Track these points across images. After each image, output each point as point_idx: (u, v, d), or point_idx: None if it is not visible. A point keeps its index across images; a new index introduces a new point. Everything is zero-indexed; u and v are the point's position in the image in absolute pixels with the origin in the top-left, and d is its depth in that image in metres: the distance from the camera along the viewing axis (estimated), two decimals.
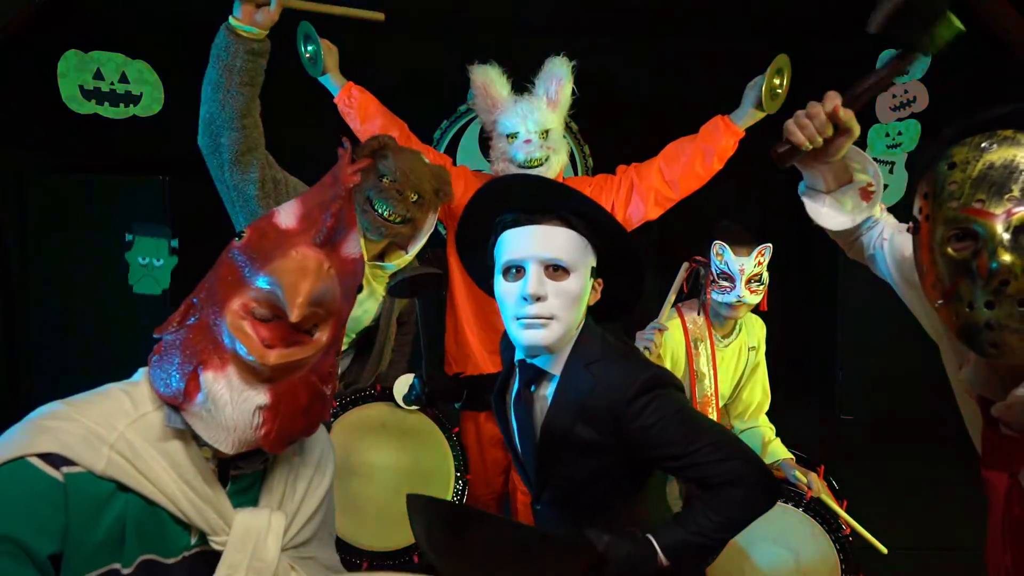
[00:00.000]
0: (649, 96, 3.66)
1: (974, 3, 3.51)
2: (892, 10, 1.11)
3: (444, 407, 2.07)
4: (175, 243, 3.40)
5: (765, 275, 2.08)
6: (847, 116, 1.17)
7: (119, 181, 3.46)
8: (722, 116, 2.32)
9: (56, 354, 3.43)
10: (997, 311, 0.95)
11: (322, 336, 1.05)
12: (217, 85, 1.73)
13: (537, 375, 1.41)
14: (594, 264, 1.38)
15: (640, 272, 1.43)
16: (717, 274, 2.08)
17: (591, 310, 1.43)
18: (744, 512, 1.27)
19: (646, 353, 2.01)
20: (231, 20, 1.70)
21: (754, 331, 2.27)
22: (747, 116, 2.27)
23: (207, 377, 0.98)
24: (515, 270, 1.34)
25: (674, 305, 2.20)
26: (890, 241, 1.30)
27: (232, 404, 0.98)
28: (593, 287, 1.40)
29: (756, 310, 2.19)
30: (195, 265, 3.39)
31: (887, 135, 3.61)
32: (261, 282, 1.00)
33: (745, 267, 2.05)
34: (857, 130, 1.18)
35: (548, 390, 1.40)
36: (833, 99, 1.17)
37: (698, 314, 2.19)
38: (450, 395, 1.79)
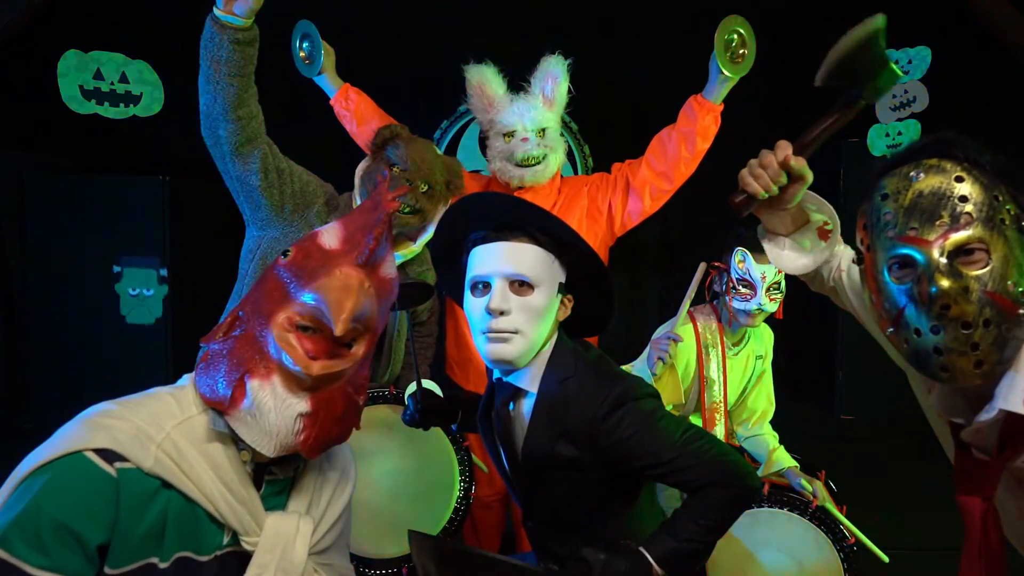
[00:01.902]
0: (649, 95, 3.66)
1: (974, 3, 3.51)
2: (836, 64, 1.16)
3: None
4: (164, 272, 3.40)
5: (783, 282, 2.06)
6: (799, 164, 1.19)
7: (119, 181, 3.47)
8: (695, 96, 2.31)
9: (56, 353, 3.44)
10: (943, 336, 0.97)
11: (359, 349, 1.11)
12: (208, 77, 1.72)
13: (514, 393, 1.43)
14: (562, 280, 1.39)
15: (609, 289, 1.45)
16: (737, 280, 2.06)
17: (565, 326, 1.44)
18: (728, 512, 1.31)
19: (660, 365, 2.00)
20: (215, 10, 1.69)
21: (763, 339, 2.26)
22: (716, 87, 2.24)
23: (253, 384, 1.04)
24: (482, 286, 1.37)
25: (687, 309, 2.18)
26: (847, 272, 1.32)
27: (276, 410, 1.04)
28: (562, 303, 1.40)
29: (771, 318, 2.17)
30: (196, 265, 3.41)
31: (887, 135, 3.61)
32: (307, 298, 1.07)
33: (767, 274, 2.03)
34: (810, 177, 1.21)
35: (526, 408, 1.42)
36: (784, 148, 1.19)
37: (717, 320, 2.17)
38: (445, 417, 1.79)
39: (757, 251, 2.04)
